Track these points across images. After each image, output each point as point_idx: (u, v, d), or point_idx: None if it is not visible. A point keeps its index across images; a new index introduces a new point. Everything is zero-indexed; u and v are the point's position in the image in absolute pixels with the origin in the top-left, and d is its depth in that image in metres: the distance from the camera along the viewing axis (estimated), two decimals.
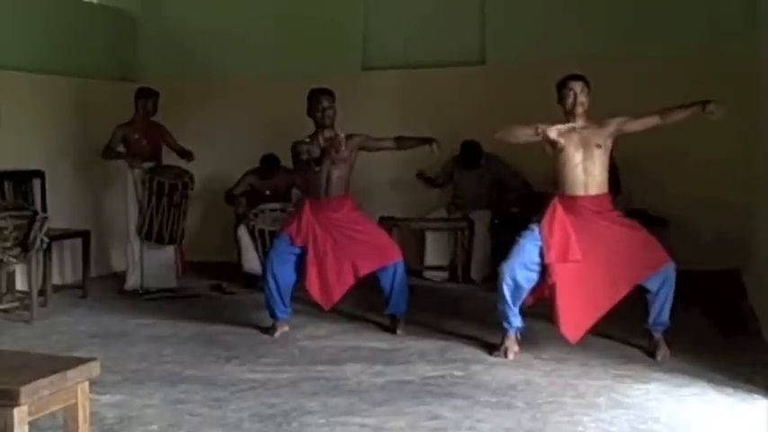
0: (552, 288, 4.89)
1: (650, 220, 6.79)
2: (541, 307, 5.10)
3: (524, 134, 4.96)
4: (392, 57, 8.27)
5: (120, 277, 7.48)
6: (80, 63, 7.97)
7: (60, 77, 7.67)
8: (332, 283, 5.54)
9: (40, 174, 7.21)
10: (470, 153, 7.72)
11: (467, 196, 7.75)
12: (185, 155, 7.37)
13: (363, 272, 5.58)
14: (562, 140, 4.90)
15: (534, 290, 5.05)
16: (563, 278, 4.87)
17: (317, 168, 5.48)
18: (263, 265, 5.96)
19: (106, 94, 7.34)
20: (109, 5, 8.40)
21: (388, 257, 5.58)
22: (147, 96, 7.30)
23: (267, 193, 7.68)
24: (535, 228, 4.99)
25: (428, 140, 5.54)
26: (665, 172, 7.16)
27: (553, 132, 4.90)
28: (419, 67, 8.12)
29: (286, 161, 7.57)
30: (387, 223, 7.32)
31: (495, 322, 5.15)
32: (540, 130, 4.87)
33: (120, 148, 7.28)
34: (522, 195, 7.51)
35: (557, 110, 5.04)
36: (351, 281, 5.59)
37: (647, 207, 7.13)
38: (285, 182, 7.69)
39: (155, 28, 8.82)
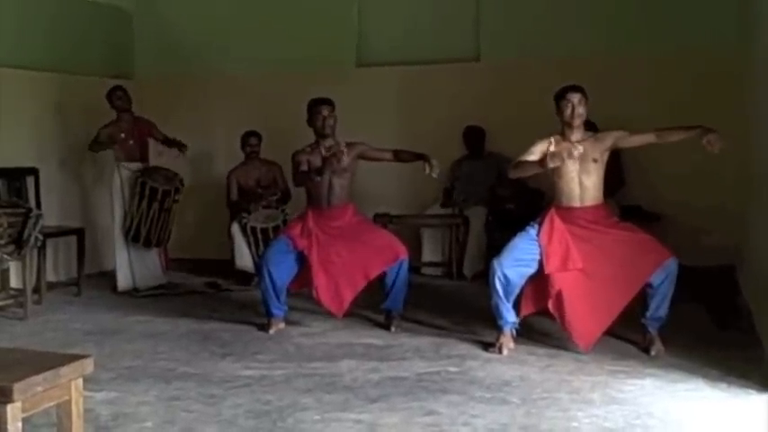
0: (559, 299, 4.90)
1: (644, 216, 6.82)
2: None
3: (533, 170, 4.90)
4: (387, 53, 8.26)
5: (112, 275, 7.44)
6: (75, 60, 7.95)
7: (55, 74, 7.65)
8: (342, 290, 5.54)
9: (34, 171, 7.19)
10: (473, 137, 7.73)
11: (466, 189, 7.69)
12: (176, 144, 7.28)
13: (373, 274, 5.59)
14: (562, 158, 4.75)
15: (534, 298, 5.07)
16: (567, 288, 4.89)
17: (318, 179, 5.49)
18: (257, 262, 5.93)
19: (101, 91, 7.32)
20: (103, 2, 8.37)
21: (396, 256, 5.59)
22: (113, 92, 7.24)
23: (251, 184, 7.62)
24: (531, 230, 5.02)
25: (423, 157, 5.45)
26: (659, 169, 7.16)
27: (555, 159, 4.70)
28: (413, 63, 8.11)
29: (282, 159, 7.59)
30: (381, 220, 7.31)
31: (490, 318, 5.16)
32: (544, 163, 4.72)
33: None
34: (517, 191, 7.50)
35: (550, 108, 5.03)
36: (361, 284, 5.58)
37: (642, 203, 7.15)
38: (269, 174, 7.65)
39: (149, 24, 8.79)
